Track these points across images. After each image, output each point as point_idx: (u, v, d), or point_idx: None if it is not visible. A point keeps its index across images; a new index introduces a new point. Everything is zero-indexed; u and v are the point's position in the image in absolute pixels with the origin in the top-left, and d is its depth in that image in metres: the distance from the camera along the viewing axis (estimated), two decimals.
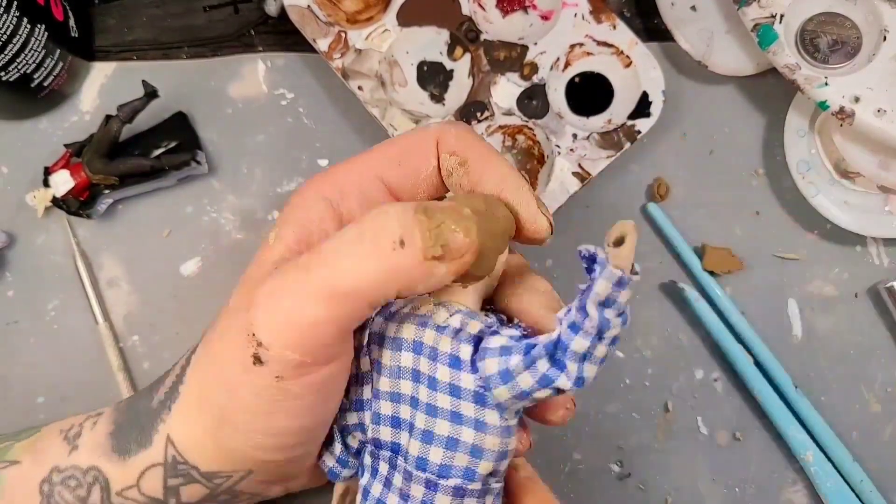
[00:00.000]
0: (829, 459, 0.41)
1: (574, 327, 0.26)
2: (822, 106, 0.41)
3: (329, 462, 0.32)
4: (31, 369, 0.42)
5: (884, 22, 0.41)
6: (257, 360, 0.27)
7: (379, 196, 0.31)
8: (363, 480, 0.31)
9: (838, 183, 0.43)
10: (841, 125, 0.42)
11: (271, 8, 0.45)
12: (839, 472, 0.41)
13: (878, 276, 0.44)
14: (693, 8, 0.45)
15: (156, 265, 0.43)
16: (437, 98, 0.43)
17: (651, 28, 0.46)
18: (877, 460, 0.42)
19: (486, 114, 0.43)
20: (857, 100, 0.40)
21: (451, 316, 0.29)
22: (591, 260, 0.25)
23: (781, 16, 0.41)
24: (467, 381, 0.28)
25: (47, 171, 0.42)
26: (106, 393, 0.42)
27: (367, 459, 0.31)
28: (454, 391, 0.28)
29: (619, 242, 0.24)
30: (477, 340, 0.28)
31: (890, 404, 0.43)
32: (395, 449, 0.30)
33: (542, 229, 0.29)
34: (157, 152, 0.43)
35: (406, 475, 0.29)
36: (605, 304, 0.25)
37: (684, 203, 0.45)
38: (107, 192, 0.42)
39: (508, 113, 0.43)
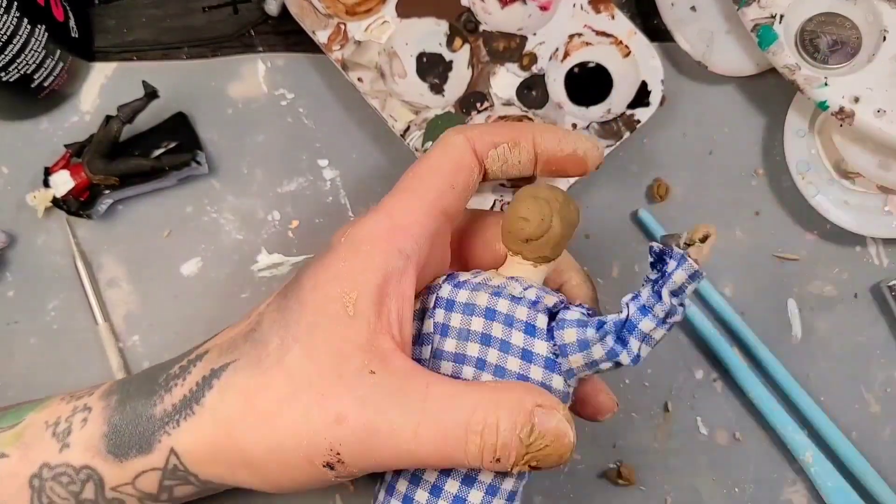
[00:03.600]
0: (834, 455, 0.41)
1: (644, 310, 0.30)
2: (822, 106, 0.41)
3: None
4: (31, 369, 0.42)
5: (884, 22, 0.41)
6: (329, 466, 0.29)
7: (441, 227, 0.32)
8: None
9: (838, 183, 0.43)
10: (841, 125, 0.42)
11: (272, 7, 0.45)
12: (845, 465, 0.41)
13: (877, 276, 0.44)
14: (693, 8, 0.45)
15: (156, 265, 0.43)
16: (437, 89, 0.43)
17: (651, 28, 0.46)
18: (876, 460, 0.42)
19: (486, 104, 0.43)
20: (856, 100, 0.40)
21: (525, 290, 0.32)
22: (662, 254, 0.30)
23: (781, 16, 0.41)
24: (541, 347, 0.31)
25: (47, 172, 0.42)
26: None
27: None
28: (526, 355, 0.31)
29: (703, 240, 0.29)
30: (550, 313, 0.31)
31: (890, 404, 0.43)
32: None
33: (602, 154, 0.35)
34: (158, 152, 0.43)
35: None
36: (675, 293, 0.30)
37: (684, 203, 0.45)
38: (107, 192, 0.42)
39: (508, 103, 0.43)
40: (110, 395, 0.33)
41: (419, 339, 0.33)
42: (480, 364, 0.32)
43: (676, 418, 0.42)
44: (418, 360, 0.32)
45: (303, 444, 0.29)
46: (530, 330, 0.31)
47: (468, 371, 0.32)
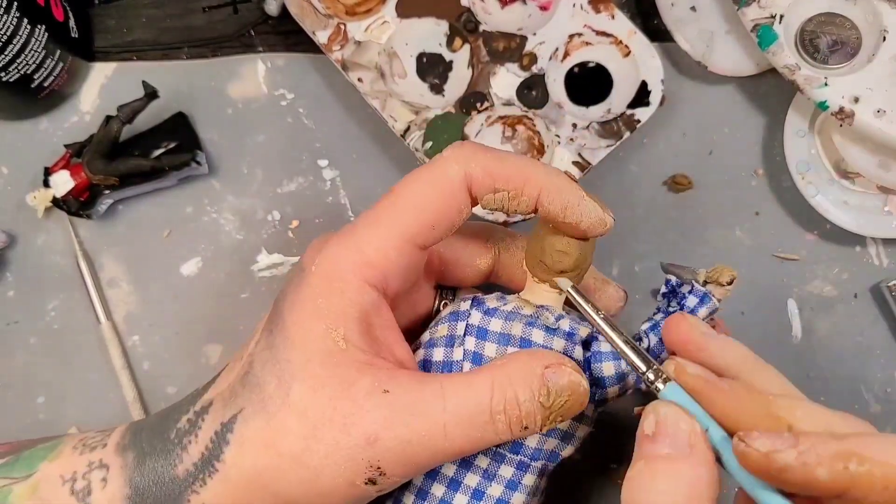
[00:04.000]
0: None
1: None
2: (822, 106, 0.41)
3: None
4: (31, 369, 0.42)
5: (883, 22, 0.41)
6: (371, 482, 0.29)
7: (415, 261, 0.31)
8: None
9: (838, 183, 0.43)
10: (840, 125, 0.42)
11: (272, 7, 0.45)
12: None
13: (877, 276, 0.44)
14: (693, 8, 0.45)
15: (156, 265, 0.43)
16: (437, 89, 0.43)
17: (651, 28, 0.46)
18: None
19: (486, 104, 0.43)
20: (856, 100, 0.40)
21: (558, 320, 0.32)
22: (677, 286, 0.31)
23: (781, 16, 0.41)
24: None
25: (47, 172, 0.42)
26: (106, 393, 0.42)
27: None
28: None
29: (729, 283, 0.31)
30: (583, 343, 0.32)
31: (889, 404, 0.43)
32: None
33: (610, 226, 0.32)
34: (157, 153, 0.43)
35: (496, 457, 0.32)
36: None
37: (684, 202, 0.45)
38: (107, 192, 0.42)
39: (508, 103, 0.43)
40: (125, 451, 0.32)
41: (445, 365, 0.32)
42: None
43: None
44: None
45: (341, 471, 0.29)
46: None
47: None
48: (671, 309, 0.32)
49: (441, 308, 0.36)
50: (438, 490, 0.32)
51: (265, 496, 0.30)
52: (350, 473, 0.29)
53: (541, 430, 0.29)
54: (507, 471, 0.32)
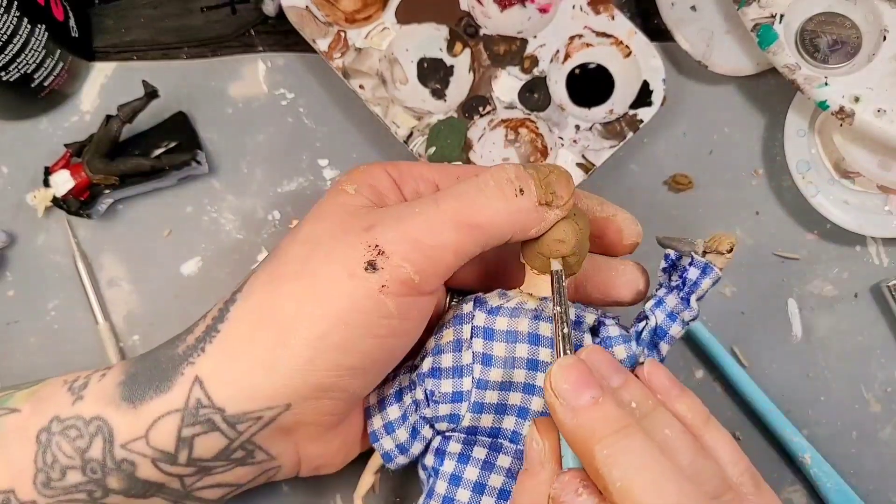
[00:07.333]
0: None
1: (672, 316, 0.32)
2: (822, 106, 0.41)
3: (387, 446, 0.34)
4: (31, 369, 0.42)
5: (884, 22, 0.41)
6: (371, 266, 0.29)
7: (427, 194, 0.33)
8: (445, 468, 0.32)
9: (838, 183, 0.43)
10: (841, 125, 0.42)
11: (269, 8, 0.45)
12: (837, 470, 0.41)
13: (877, 275, 0.44)
14: (693, 8, 0.45)
15: (156, 265, 0.43)
16: (439, 94, 0.43)
17: (651, 28, 0.46)
18: (876, 460, 0.42)
19: (488, 108, 0.43)
20: (856, 100, 0.40)
21: None
22: (676, 259, 0.32)
23: (781, 16, 0.41)
24: None
25: (48, 171, 0.42)
26: None
27: (454, 447, 0.33)
28: None
29: (729, 250, 0.31)
30: (591, 330, 0.32)
31: (889, 404, 0.43)
32: (495, 433, 0.32)
33: (639, 232, 0.35)
34: (158, 152, 0.43)
35: (518, 455, 0.32)
36: (699, 298, 0.31)
37: (684, 202, 0.45)
38: (107, 191, 0.42)
39: (510, 106, 0.43)
40: (134, 357, 0.34)
41: (455, 371, 0.32)
42: (529, 389, 0.32)
43: None
44: (458, 393, 0.32)
45: (339, 266, 0.30)
46: (577, 350, 0.31)
47: (515, 397, 0.32)
48: (673, 283, 0.32)
49: (448, 309, 0.36)
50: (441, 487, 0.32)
51: (267, 327, 0.30)
52: (350, 262, 0.30)
53: (540, 202, 0.31)
54: (504, 460, 0.32)
